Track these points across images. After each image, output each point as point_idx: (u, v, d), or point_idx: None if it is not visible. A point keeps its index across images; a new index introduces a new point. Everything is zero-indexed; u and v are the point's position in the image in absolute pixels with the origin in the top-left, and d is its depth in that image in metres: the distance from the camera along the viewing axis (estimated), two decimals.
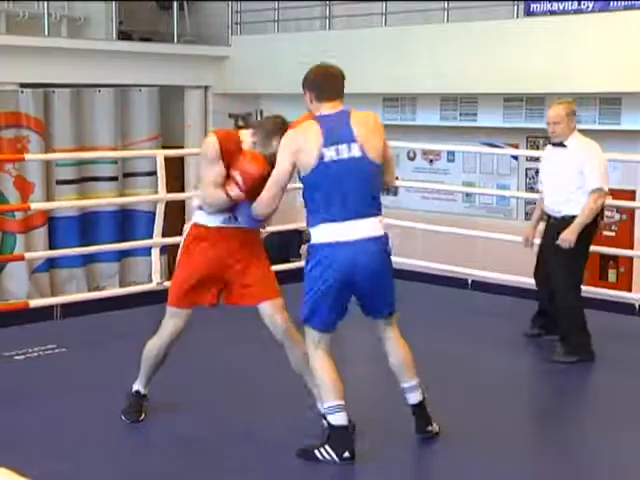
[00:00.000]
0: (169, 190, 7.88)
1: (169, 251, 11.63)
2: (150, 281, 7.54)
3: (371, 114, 4.39)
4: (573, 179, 6.07)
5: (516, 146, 11.67)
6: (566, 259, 6.08)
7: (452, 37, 10.92)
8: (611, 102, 10.49)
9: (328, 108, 4.27)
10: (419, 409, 4.44)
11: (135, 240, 10.88)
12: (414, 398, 4.41)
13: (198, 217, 4.74)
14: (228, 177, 4.55)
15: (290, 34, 12.92)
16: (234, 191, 4.47)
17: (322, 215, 4.22)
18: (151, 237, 7.67)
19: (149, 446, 4.95)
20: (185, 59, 12.96)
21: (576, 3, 10.32)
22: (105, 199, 11.88)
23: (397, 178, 5.84)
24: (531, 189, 11.78)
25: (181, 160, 12.97)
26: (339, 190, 4.15)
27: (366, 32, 11.92)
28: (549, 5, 10.51)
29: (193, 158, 13.15)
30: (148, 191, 11.72)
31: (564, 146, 6.17)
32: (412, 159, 12.88)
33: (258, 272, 4.71)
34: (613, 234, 10.58)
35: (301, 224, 12.28)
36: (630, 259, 10.20)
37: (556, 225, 6.19)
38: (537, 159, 11.70)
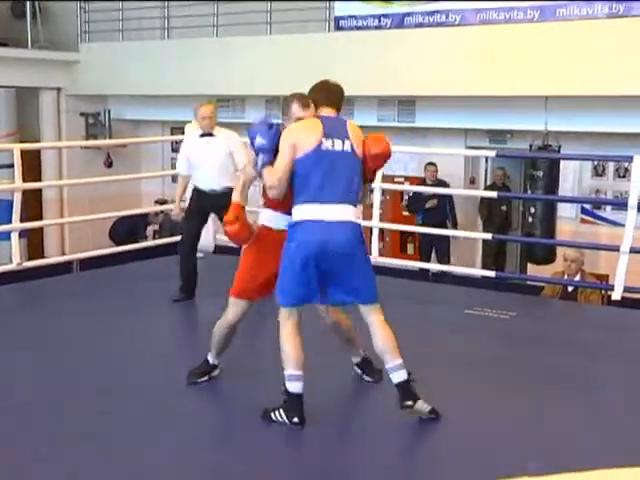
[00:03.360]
0: (27, 180, 7.72)
1: (27, 234, 11.33)
2: (11, 262, 7.31)
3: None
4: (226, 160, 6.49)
5: None
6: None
7: (275, 47, 11.03)
8: (407, 104, 10.81)
9: (327, 112, 4.29)
10: (402, 387, 4.15)
11: None
12: (397, 377, 4.14)
13: (263, 219, 4.54)
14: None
15: (133, 42, 12.75)
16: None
17: (304, 197, 4.12)
18: (10, 222, 7.44)
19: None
20: (39, 63, 12.63)
21: (377, 20, 10.56)
22: None
23: None
24: None
25: (37, 153, 12.60)
26: (326, 176, 4.09)
27: (200, 41, 11.87)
28: (355, 21, 10.72)
29: (49, 152, 12.89)
30: (7, 181, 11.30)
31: (213, 135, 6.52)
32: None
33: None
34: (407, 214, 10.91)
35: (147, 209, 12.35)
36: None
37: (216, 197, 6.39)
38: None
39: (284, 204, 4.26)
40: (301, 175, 4.12)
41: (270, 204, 4.41)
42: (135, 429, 4.11)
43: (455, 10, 9.96)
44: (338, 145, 4.16)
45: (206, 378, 4.75)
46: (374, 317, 4.22)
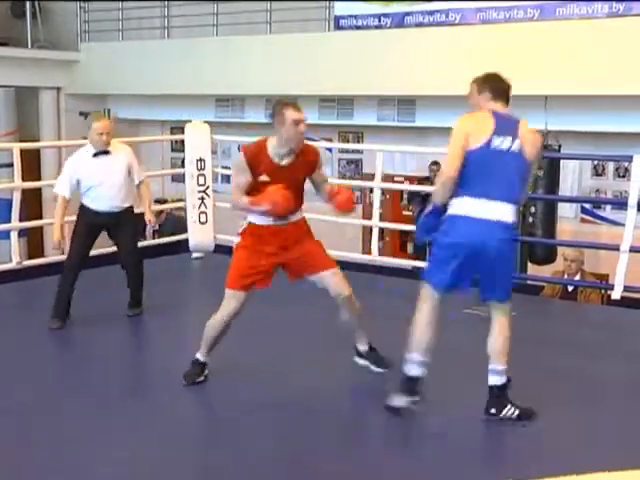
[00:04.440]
0: (27, 179, 7.70)
1: (27, 233, 11.31)
2: (10, 261, 7.30)
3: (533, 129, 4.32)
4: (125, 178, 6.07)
5: (330, 139, 11.87)
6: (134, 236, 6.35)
7: (275, 46, 11.02)
8: (406, 103, 10.80)
9: (499, 107, 4.24)
10: (493, 393, 4.21)
11: None
12: (493, 381, 4.20)
13: (252, 217, 4.60)
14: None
15: (133, 42, 12.75)
16: (257, 208, 4.46)
17: (469, 190, 4.08)
18: (9, 222, 7.43)
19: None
20: (39, 62, 12.60)
21: (377, 20, 10.56)
22: None
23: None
24: (343, 176, 12.05)
25: (37, 152, 12.58)
26: (491, 173, 4.06)
27: (200, 41, 11.86)
28: (355, 21, 10.72)
29: (49, 151, 12.86)
30: (6, 180, 11.29)
31: (109, 153, 5.98)
32: None
33: (312, 248, 4.67)
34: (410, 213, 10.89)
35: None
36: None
37: (112, 215, 6.02)
38: (347, 151, 12.13)
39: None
40: (466, 169, 4.08)
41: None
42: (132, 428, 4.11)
43: (455, 9, 9.95)
44: (507, 144, 4.09)
45: (203, 378, 4.74)
46: (499, 316, 4.28)
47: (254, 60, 11.12)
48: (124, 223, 6.11)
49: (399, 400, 4.20)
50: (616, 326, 6.14)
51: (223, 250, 8.36)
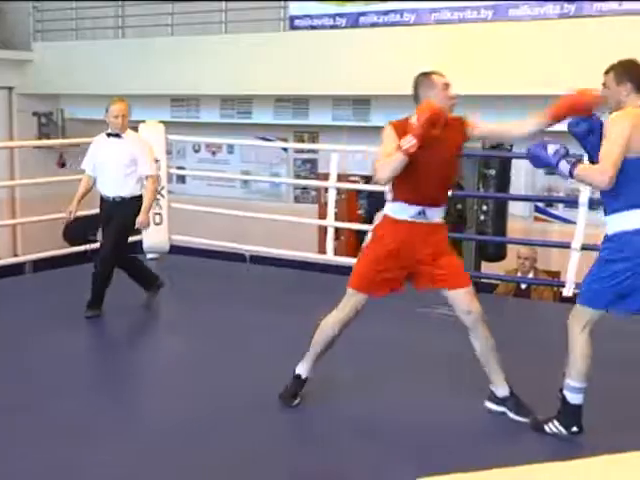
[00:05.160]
0: None
1: None
2: None
3: None
4: (127, 166, 6.03)
5: (285, 139, 11.86)
6: (119, 232, 6.07)
7: (230, 46, 10.97)
8: (361, 102, 10.81)
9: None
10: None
11: None
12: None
13: (389, 209, 4.09)
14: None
15: (87, 41, 12.62)
16: (404, 140, 3.76)
17: (629, 201, 3.61)
18: None
19: None
20: None
21: (332, 20, 10.57)
22: None
23: None
24: (298, 176, 12.06)
25: None
26: None
27: (155, 41, 11.77)
28: (310, 21, 10.72)
29: (1, 152, 12.67)
30: None
31: (121, 137, 6.06)
32: (197, 151, 12.87)
33: (449, 261, 4.08)
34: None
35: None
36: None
37: (111, 205, 6.06)
38: (303, 151, 12.12)
39: (406, 194, 3.96)
40: (626, 176, 3.57)
41: (398, 195, 4.02)
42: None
43: (409, 10, 9.99)
44: None
45: (298, 400, 4.26)
46: None
47: (209, 60, 11.06)
48: (117, 215, 6.04)
49: (557, 429, 3.91)
50: (562, 324, 6.20)
51: (178, 251, 8.33)
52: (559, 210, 10.29)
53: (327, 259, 7.73)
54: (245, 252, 8.40)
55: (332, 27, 10.53)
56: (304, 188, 12.19)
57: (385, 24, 10.17)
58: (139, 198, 6.09)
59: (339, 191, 8.67)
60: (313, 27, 10.69)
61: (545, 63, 8.80)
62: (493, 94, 9.20)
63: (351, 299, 4.12)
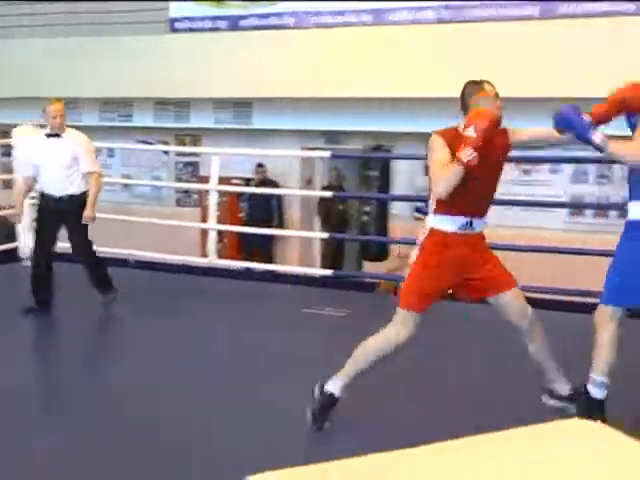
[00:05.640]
0: None
1: None
2: None
3: None
4: (70, 165, 6.14)
5: (166, 143, 11.73)
6: (83, 228, 6.22)
7: (109, 49, 10.79)
8: (243, 105, 10.81)
9: None
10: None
11: None
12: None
13: (435, 222, 3.84)
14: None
15: None
16: (464, 152, 3.59)
17: None
18: None
19: None
20: None
21: (212, 22, 10.53)
22: None
23: None
24: (180, 179, 11.96)
25: None
26: None
27: (34, 42, 11.46)
28: (190, 23, 10.65)
29: None
30: None
31: (60, 137, 6.17)
32: None
33: (494, 265, 3.93)
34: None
35: None
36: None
37: (61, 203, 6.12)
38: (184, 154, 12.02)
39: (453, 206, 3.75)
40: None
41: (444, 206, 3.79)
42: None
43: (290, 13, 10.05)
44: None
45: (328, 422, 3.90)
46: None
47: (87, 63, 10.84)
48: (69, 212, 6.11)
49: None
50: (443, 319, 6.34)
51: (58, 257, 8.11)
52: None
53: (210, 262, 7.68)
54: (128, 257, 8.26)
55: (212, 30, 10.49)
56: (186, 192, 12.09)
57: (265, 27, 10.20)
58: (87, 193, 6.18)
59: (221, 194, 8.63)
60: (193, 30, 10.62)
61: (424, 66, 9.01)
62: (374, 97, 9.36)
63: (410, 320, 3.86)
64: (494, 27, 8.93)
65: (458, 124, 3.80)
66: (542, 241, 7.88)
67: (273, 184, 10.48)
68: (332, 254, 10.94)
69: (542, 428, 1.13)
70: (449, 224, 3.78)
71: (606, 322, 3.71)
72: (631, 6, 8.50)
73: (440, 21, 9.24)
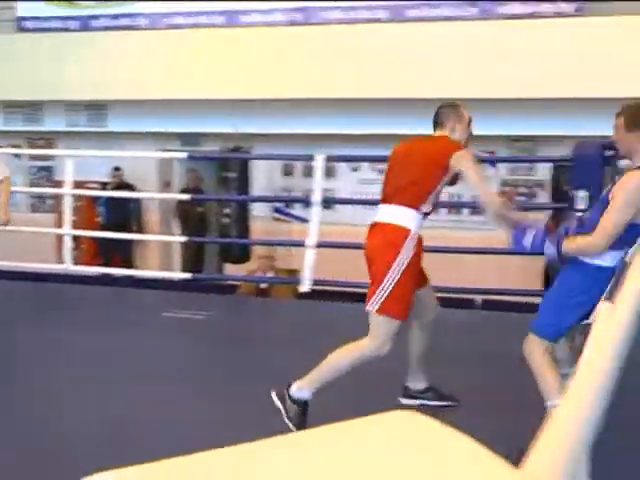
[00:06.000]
0: None
1: None
2: None
3: None
4: None
5: (18, 146, 11.33)
6: None
7: None
8: (97, 107, 10.61)
9: None
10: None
11: None
12: None
13: (413, 224, 3.73)
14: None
15: None
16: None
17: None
18: None
19: None
20: None
21: (62, 22, 10.29)
22: None
23: None
24: (34, 184, 11.60)
25: None
26: None
27: None
28: (39, 23, 10.37)
29: None
30: None
31: None
32: None
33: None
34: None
35: None
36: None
37: None
38: (38, 158, 11.67)
39: (430, 208, 3.78)
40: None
41: (424, 209, 3.75)
42: None
43: (142, 14, 9.93)
44: None
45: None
46: None
47: None
48: None
49: None
50: (303, 320, 6.44)
51: None
52: (296, 210, 10.62)
53: (66, 269, 7.51)
54: None
55: (62, 30, 10.24)
56: (40, 197, 11.74)
57: (117, 27, 10.05)
58: None
59: (76, 198, 8.44)
60: (43, 29, 10.34)
61: (275, 68, 9.09)
62: (225, 98, 9.37)
63: (395, 330, 3.71)
64: (347, 29, 9.11)
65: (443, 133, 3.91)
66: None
67: (130, 187, 10.33)
68: (192, 257, 10.85)
69: (362, 421, 1.18)
70: (421, 226, 3.77)
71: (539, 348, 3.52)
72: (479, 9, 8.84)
73: (292, 23, 9.34)
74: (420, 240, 3.77)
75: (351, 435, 1.15)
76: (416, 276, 3.77)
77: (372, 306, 3.68)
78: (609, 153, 4.90)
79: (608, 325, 1.50)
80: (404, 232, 3.68)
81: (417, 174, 3.75)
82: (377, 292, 3.67)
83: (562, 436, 0.98)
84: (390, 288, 3.65)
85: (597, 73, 8.05)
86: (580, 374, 1.21)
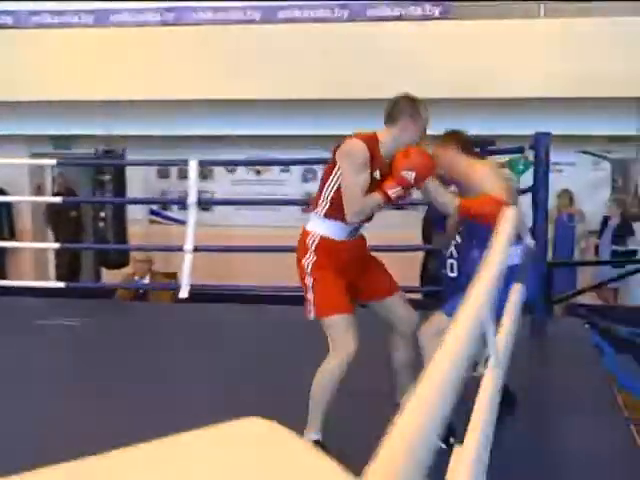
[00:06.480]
0: None
1: None
2: None
3: None
4: None
5: None
6: None
7: None
8: None
9: None
10: None
11: None
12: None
13: (323, 229, 3.62)
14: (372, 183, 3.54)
15: None
16: (392, 189, 3.51)
17: None
18: None
19: None
20: None
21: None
22: None
23: None
24: None
25: None
26: None
27: None
28: None
29: None
30: None
31: None
32: None
33: (379, 271, 3.83)
34: None
35: None
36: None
37: None
38: None
39: (343, 213, 3.59)
40: None
41: (331, 214, 3.62)
42: None
43: (7, 12, 9.67)
44: None
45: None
46: None
47: None
48: None
49: None
50: (183, 322, 6.40)
51: None
52: (174, 212, 10.52)
53: None
54: None
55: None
56: None
57: None
58: None
59: None
60: None
61: (144, 68, 9.00)
62: (100, 99, 9.20)
63: (346, 324, 3.56)
64: (220, 30, 9.09)
65: (376, 131, 3.64)
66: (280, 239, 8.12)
67: (1, 192, 9.99)
68: (67, 264, 10.59)
69: (213, 430, 1.20)
70: (340, 232, 3.67)
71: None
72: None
73: (164, 23, 9.25)
74: (341, 245, 3.66)
75: (188, 446, 1.16)
76: (334, 268, 3.62)
77: (310, 315, 3.61)
78: None
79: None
80: (305, 234, 3.67)
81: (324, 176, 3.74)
82: (306, 299, 3.63)
83: (403, 443, 1.02)
84: (312, 289, 3.60)
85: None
86: (424, 378, 1.25)
